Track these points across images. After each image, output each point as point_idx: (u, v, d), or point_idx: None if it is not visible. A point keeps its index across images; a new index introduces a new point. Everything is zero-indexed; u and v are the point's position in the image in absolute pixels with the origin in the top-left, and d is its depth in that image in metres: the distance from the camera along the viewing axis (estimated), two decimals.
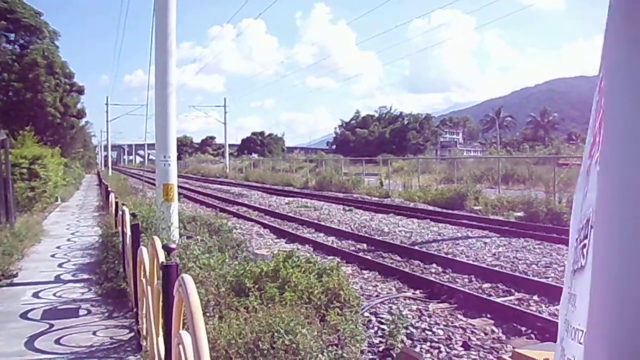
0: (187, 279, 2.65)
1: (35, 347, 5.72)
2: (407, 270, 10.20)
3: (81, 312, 7.05)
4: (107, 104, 68.15)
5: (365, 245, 13.18)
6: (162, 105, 10.48)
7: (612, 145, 0.44)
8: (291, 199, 26.62)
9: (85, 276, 9.10)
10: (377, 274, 9.97)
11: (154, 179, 13.03)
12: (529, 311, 7.41)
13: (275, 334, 4.52)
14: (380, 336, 6.51)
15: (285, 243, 13.60)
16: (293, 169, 51.25)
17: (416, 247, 12.49)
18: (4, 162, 13.96)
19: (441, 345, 6.34)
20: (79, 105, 42.96)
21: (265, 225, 16.86)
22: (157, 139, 10.70)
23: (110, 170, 66.29)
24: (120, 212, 8.58)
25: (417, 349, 6.18)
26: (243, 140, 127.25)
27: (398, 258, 11.47)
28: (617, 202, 0.43)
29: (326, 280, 6.09)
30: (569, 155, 32.89)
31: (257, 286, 5.86)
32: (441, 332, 6.74)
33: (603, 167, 0.45)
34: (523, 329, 6.85)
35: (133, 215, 6.94)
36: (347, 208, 21.43)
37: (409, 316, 7.31)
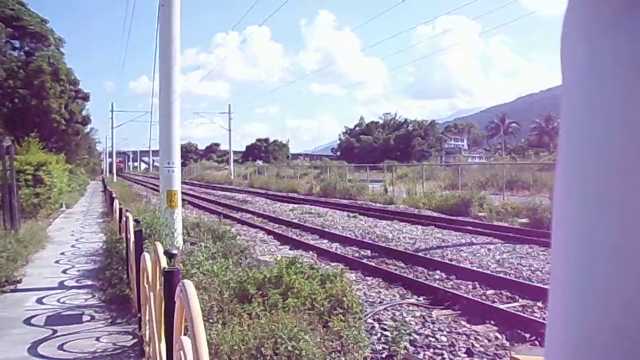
0: (188, 284, 2.65)
1: (38, 353, 5.73)
2: (410, 276, 10.18)
3: (85, 318, 7.05)
4: (112, 111, 68.53)
5: (369, 251, 13.16)
6: (166, 112, 10.53)
7: (568, 143, 0.45)
8: (295, 205, 26.61)
9: (89, 282, 9.11)
10: (380, 280, 9.95)
11: (158, 185, 13.07)
12: (533, 318, 7.38)
13: (278, 340, 4.52)
14: (384, 343, 6.49)
15: (289, 249, 13.59)
16: (297, 175, 51.25)
17: (420, 254, 12.46)
18: (8, 168, 14.01)
19: (444, 352, 6.32)
20: (84, 112, 43.20)
21: (269, 232, 16.85)
22: (161, 145, 10.75)
23: (115, 176, 66.46)
24: (124, 219, 8.59)
25: (420, 356, 6.17)
26: (248, 147, 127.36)
27: (402, 264, 11.46)
28: (571, 203, 0.44)
29: (329, 287, 6.09)
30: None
31: (260, 292, 5.87)
32: (444, 339, 6.72)
33: (559, 167, 0.46)
34: (527, 335, 6.83)
35: (136, 221, 6.96)
36: (351, 214, 21.40)
37: (413, 323, 7.29)
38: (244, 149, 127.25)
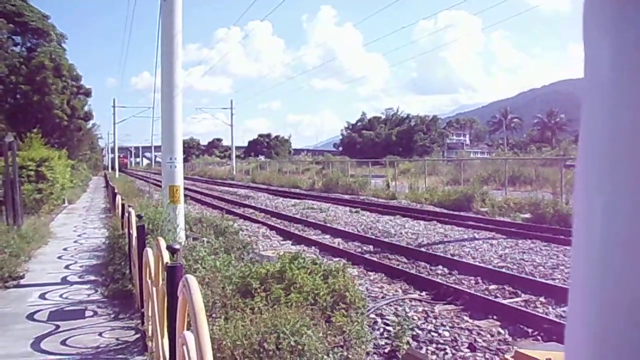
0: (191, 279, 2.65)
1: (41, 348, 5.74)
2: (413, 271, 10.19)
3: (87, 313, 7.07)
4: (114, 106, 68.47)
5: (371, 246, 13.16)
6: (168, 108, 10.51)
7: (587, 144, 0.44)
8: (298, 200, 26.60)
9: (92, 278, 9.13)
10: (383, 275, 9.95)
11: (160, 181, 13.06)
12: (535, 313, 7.38)
13: (281, 335, 4.52)
14: (386, 338, 6.49)
15: (292, 245, 13.60)
16: (299, 170, 51.19)
17: (422, 249, 12.47)
18: (11, 164, 14.02)
19: (447, 347, 6.32)
20: (86, 108, 43.11)
21: (271, 227, 16.87)
22: (163, 141, 10.73)
23: (117, 172, 66.49)
24: (126, 214, 8.60)
25: (423, 351, 6.17)
26: (250, 143, 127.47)
27: (404, 260, 11.46)
28: (593, 200, 0.43)
29: (332, 282, 6.08)
30: (576, 157, 32.79)
31: (262, 287, 5.86)
32: (447, 334, 6.72)
33: (579, 167, 0.45)
34: (530, 330, 6.83)
35: (139, 216, 6.96)
36: (353, 210, 21.39)
37: (415, 318, 7.29)
38: (246, 144, 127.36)
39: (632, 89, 0.39)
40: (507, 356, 3.13)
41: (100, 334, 6.15)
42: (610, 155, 0.40)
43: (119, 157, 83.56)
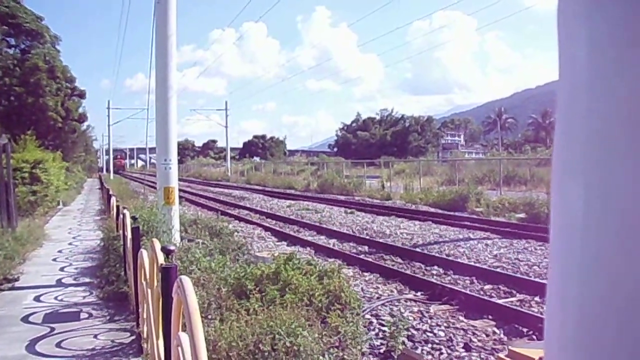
0: (185, 280, 2.65)
1: (36, 351, 5.72)
2: (408, 272, 10.19)
3: (82, 315, 7.05)
4: (108, 108, 68.44)
5: (366, 247, 13.17)
6: (162, 109, 10.51)
7: (563, 145, 0.44)
8: (293, 201, 26.60)
9: (87, 280, 9.10)
10: (378, 276, 9.95)
11: (155, 183, 13.05)
12: (530, 312, 7.39)
13: (276, 336, 4.52)
14: (382, 338, 6.50)
15: (287, 246, 13.58)
16: (295, 172, 51.22)
17: (417, 249, 12.48)
18: (5, 166, 13.97)
19: (442, 347, 6.33)
20: (80, 110, 42.96)
21: (266, 228, 16.85)
22: (158, 142, 10.73)
23: (111, 174, 66.33)
24: (121, 216, 8.58)
25: (418, 351, 6.17)
26: (245, 144, 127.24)
27: (399, 260, 11.46)
28: (569, 192, 0.43)
29: (327, 283, 6.09)
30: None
31: (258, 288, 5.86)
32: (442, 334, 6.73)
33: (555, 167, 0.46)
34: (524, 330, 6.84)
35: (134, 218, 6.94)
36: (348, 210, 21.39)
37: (410, 318, 7.29)
38: (241, 145, 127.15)
39: (611, 80, 0.39)
40: (501, 355, 3.14)
41: (95, 336, 6.14)
42: (590, 146, 0.41)
43: (116, 158, 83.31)
